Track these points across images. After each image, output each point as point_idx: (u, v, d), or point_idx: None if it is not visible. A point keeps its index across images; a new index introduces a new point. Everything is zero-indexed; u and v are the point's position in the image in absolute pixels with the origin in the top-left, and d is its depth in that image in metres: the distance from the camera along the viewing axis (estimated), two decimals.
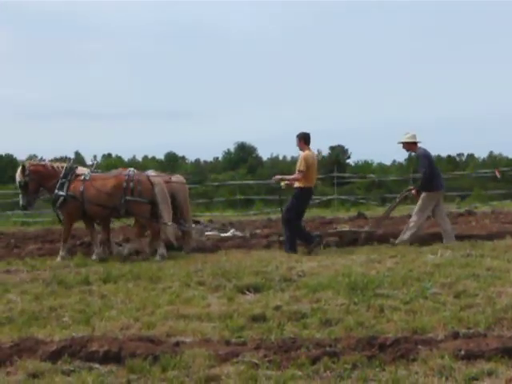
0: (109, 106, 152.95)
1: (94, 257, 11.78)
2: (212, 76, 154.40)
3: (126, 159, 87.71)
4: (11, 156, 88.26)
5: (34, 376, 4.90)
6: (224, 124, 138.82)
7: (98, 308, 7.21)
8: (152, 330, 6.18)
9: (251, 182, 37.12)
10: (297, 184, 11.66)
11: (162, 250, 11.60)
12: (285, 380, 4.61)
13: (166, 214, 11.81)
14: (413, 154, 12.82)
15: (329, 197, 29.44)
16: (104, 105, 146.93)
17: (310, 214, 22.32)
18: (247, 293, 7.82)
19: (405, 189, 13.12)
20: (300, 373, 4.75)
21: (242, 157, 78.09)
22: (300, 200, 11.72)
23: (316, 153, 12.22)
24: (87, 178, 11.95)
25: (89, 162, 11.66)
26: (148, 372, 4.88)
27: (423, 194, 11.94)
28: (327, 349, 5.11)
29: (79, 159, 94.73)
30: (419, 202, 11.99)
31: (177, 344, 5.52)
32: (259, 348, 5.25)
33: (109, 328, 6.25)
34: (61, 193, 11.84)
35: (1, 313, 7.08)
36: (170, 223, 11.90)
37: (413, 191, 12.35)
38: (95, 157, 15.10)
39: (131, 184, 11.72)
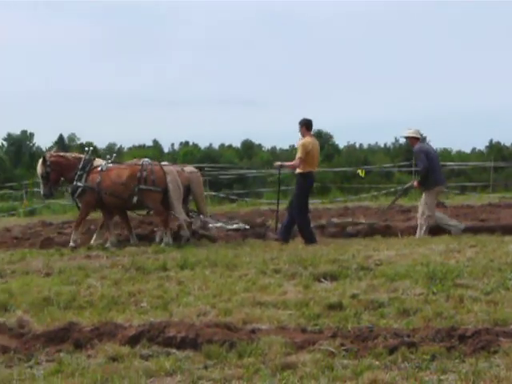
0: (186, 94, 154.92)
1: (107, 244, 12.26)
2: (288, 64, 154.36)
3: (202, 147, 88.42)
4: (91, 144, 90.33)
5: (114, 359, 4.98)
6: (300, 112, 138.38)
7: (175, 294, 7.29)
8: (228, 316, 6.19)
9: (327, 169, 36.85)
10: (298, 170, 11.71)
11: (167, 239, 11.99)
12: (362, 369, 4.54)
13: (176, 202, 12.09)
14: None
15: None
16: (181, 93, 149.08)
17: (388, 202, 22.10)
18: (323, 281, 7.77)
19: (408, 182, 13.28)
20: (377, 362, 4.68)
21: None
22: (302, 185, 11.76)
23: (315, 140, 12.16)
24: (104, 169, 12.41)
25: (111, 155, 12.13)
26: (224, 358, 4.90)
27: (425, 192, 12.07)
28: (405, 339, 5.02)
29: (158, 148, 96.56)
30: (423, 201, 12.11)
31: (253, 331, 5.53)
32: (336, 336, 5.20)
33: (186, 314, 6.30)
34: (79, 184, 12.35)
35: (82, 297, 7.25)
36: (181, 216, 12.20)
37: (415, 183, 12.55)
38: (112, 152, 15.22)
39: (145, 173, 12.09)
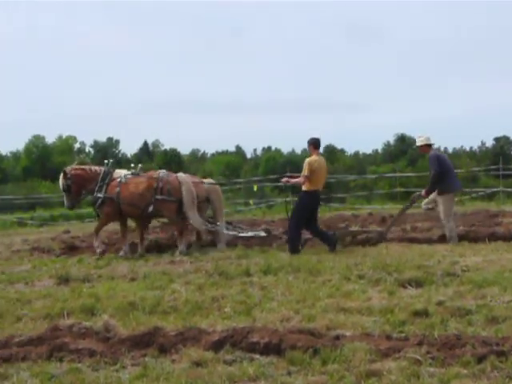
0: (269, 100, 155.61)
1: (121, 253, 12.60)
2: (372, 69, 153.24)
3: (285, 152, 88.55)
4: (175, 150, 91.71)
5: (198, 364, 5.00)
6: (383, 116, 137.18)
7: (258, 299, 7.28)
8: (312, 322, 6.12)
9: (411, 174, 36.26)
10: (303, 187, 11.79)
11: (182, 247, 12.28)
12: (449, 378, 4.42)
13: (191, 211, 12.44)
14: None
15: (493, 189, 28.31)
16: (264, 98, 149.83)
17: (475, 206, 21.61)
18: (408, 287, 7.62)
19: (415, 193, 12.95)
20: (465, 371, 4.54)
21: (402, 149, 76.86)
22: (304, 203, 11.84)
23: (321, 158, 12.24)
24: (123, 180, 12.84)
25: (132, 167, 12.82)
26: (308, 365, 4.85)
27: (441, 198, 11.92)
28: (494, 347, 4.85)
29: (240, 153, 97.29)
30: (440, 207, 11.96)
31: (337, 337, 5.45)
32: (422, 344, 5.07)
33: (269, 319, 6.27)
34: (99, 195, 12.86)
35: (166, 302, 7.32)
36: (197, 224, 12.63)
37: (422, 193, 12.37)
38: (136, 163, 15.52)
39: (161, 184, 12.54)
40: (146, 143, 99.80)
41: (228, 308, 6.94)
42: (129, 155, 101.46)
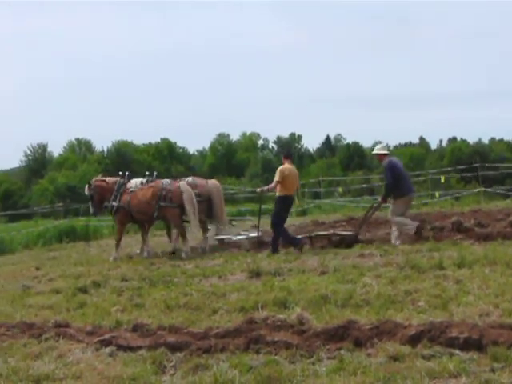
0: (453, 89, 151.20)
1: (145, 254, 14.24)
2: None
3: (471, 142, 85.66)
4: (357, 143, 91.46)
5: (395, 359, 4.91)
6: None
7: (453, 293, 7.04)
8: None
9: None
10: (277, 193, 13.18)
11: (186, 249, 13.56)
12: None
13: (192, 215, 13.68)
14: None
15: None
16: (445, 89, 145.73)
17: None
18: None
19: (374, 202, 14.15)
20: None
21: None
22: (279, 206, 13.17)
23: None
24: (133, 190, 14.43)
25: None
26: None
27: (393, 201, 12.51)
28: None
29: (424, 145, 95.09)
30: (391, 207, 12.58)
31: None
32: None
33: (467, 314, 6.03)
34: (113, 203, 14.54)
35: (358, 295, 7.26)
36: (195, 229, 13.92)
37: (379, 200, 13.38)
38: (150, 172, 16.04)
39: (164, 192, 13.91)
40: (328, 137, 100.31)
41: (422, 302, 6.77)
42: (311, 150, 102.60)
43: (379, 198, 13.37)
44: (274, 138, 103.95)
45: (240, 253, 12.87)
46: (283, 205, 13.15)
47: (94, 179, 15.46)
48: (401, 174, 12.56)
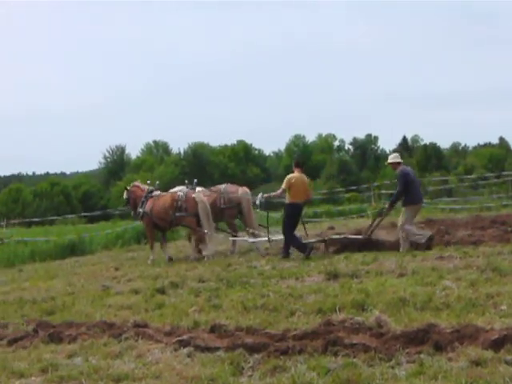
0: None
1: (164, 256, 15.13)
2: None
3: None
4: (435, 144, 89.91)
5: (477, 364, 4.79)
6: None
7: None
8: None
9: None
10: (286, 201, 13.76)
11: (206, 252, 14.44)
12: None
13: (206, 224, 14.55)
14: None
15: None
16: None
17: None
18: None
19: (381, 208, 14.54)
20: None
21: None
22: (288, 213, 13.72)
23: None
24: (156, 197, 15.44)
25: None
26: None
27: (404, 208, 12.88)
28: None
29: (504, 146, 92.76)
30: (402, 216, 12.78)
31: None
32: None
33: None
34: (140, 209, 15.55)
35: (437, 298, 7.12)
36: (208, 232, 14.53)
37: (386, 206, 13.77)
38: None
39: (179, 203, 14.86)
40: (404, 138, 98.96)
41: (504, 305, 6.59)
42: (387, 151, 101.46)
43: (387, 205, 13.83)
44: (350, 140, 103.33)
45: (315, 255, 12.83)
46: (291, 212, 13.60)
47: (131, 185, 16.71)
48: (413, 181, 12.95)
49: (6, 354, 6.75)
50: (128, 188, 16.53)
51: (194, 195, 14.84)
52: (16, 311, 9.46)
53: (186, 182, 15.94)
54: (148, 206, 15.35)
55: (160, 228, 15.69)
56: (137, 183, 16.76)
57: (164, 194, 15.57)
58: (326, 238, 13.95)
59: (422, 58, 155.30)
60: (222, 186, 15.94)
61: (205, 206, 14.59)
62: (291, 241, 13.32)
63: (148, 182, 16.47)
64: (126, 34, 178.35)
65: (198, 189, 15.32)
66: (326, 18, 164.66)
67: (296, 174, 13.69)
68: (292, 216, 13.59)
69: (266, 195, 14.68)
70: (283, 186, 13.55)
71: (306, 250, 12.83)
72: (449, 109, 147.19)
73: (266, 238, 14.59)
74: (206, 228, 14.47)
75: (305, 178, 13.86)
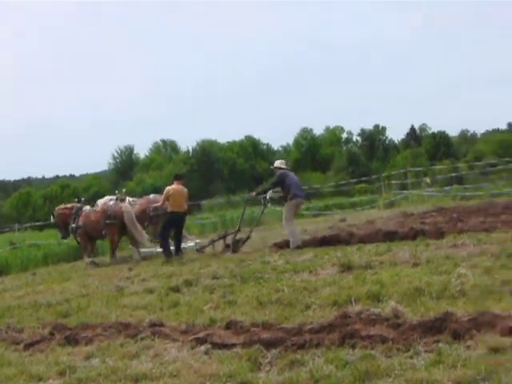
0: None
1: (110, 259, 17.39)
2: None
3: None
4: (443, 133, 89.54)
5: (496, 351, 4.75)
6: None
7: None
8: None
9: None
10: (167, 209, 15.83)
11: (137, 255, 16.95)
12: None
13: (134, 231, 16.78)
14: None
15: None
16: None
17: None
18: None
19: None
20: None
21: None
22: (166, 219, 15.90)
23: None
24: (88, 211, 17.67)
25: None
26: None
27: (286, 204, 14.37)
28: None
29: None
30: (284, 213, 14.44)
31: None
32: None
33: None
34: (73, 225, 17.73)
35: (453, 287, 7.06)
36: (138, 238, 16.92)
37: (252, 193, 16.09)
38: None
39: (109, 212, 17.02)
40: (412, 128, 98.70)
41: None
42: (396, 141, 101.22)
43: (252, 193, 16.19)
44: (358, 131, 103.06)
45: (329, 247, 12.79)
46: (170, 219, 15.63)
47: (57, 208, 18.88)
48: (291, 180, 14.36)
49: (23, 359, 6.78)
50: (54, 213, 18.77)
51: (121, 205, 17.01)
52: (31, 315, 9.50)
53: (117, 192, 18.39)
54: (81, 220, 17.51)
55: (93, 237, 17.96)
56: (62, 206, 18.94)
57: (96, 207, 17.71)
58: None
59: (424, 47, 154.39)
60: (151, 196, 18.51)
61: (130, 216, 16.69)
62: (163, 242, 15.50)
63: (116, 192, 19.19)
64: (127, 35, 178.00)
65: (129, 199, 17.93)
66: (326, 17, 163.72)
67: (174, 186, 15.80)
68: (169, 221, 15.68)
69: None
70: (163, 197, 15.92)
71: (170, 256, 14.95)
72: (454, 96, 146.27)
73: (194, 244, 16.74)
74: (135, 235, 16.76)
75: (184, 190, 15.93)
